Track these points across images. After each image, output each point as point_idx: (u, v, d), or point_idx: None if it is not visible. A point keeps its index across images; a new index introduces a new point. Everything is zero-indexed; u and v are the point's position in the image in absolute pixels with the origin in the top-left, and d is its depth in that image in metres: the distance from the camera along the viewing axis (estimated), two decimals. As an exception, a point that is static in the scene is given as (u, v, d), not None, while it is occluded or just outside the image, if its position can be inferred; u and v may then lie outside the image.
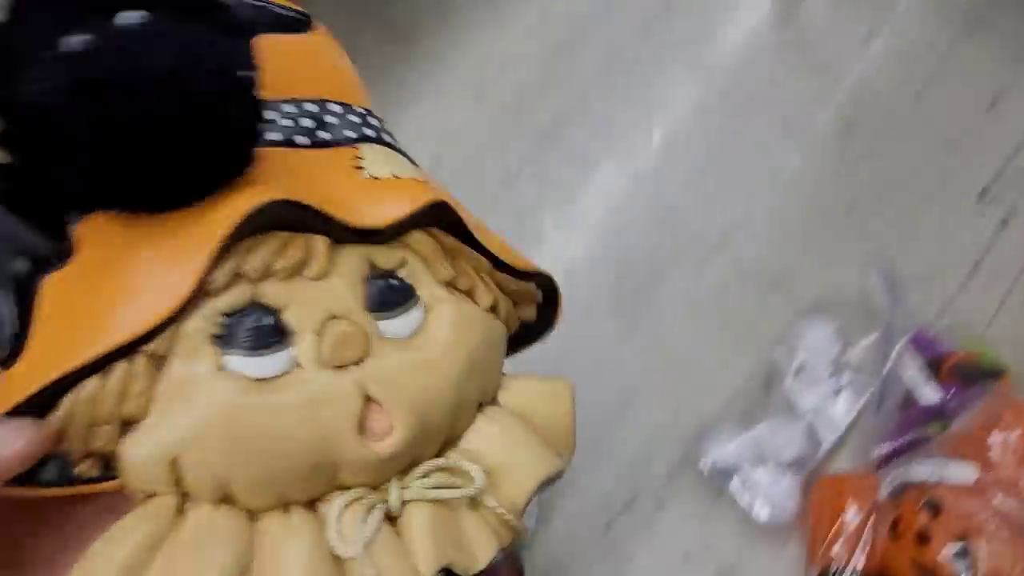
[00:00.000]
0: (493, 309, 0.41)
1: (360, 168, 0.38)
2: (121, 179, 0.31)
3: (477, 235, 0.40)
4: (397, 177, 0.38)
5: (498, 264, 0.41)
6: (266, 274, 0.35)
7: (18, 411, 0.31)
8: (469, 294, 0.40)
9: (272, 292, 0.35)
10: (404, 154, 0.42)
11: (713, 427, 0.62)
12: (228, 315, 0.34)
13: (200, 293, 0.34)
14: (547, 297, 0.45)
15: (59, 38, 0.30)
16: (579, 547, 0.58)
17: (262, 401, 0.34)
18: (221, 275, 0.34)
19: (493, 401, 0.41)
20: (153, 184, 0.32)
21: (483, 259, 0.41)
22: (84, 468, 0.33)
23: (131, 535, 0.33)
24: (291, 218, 0.35)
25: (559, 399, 0.42)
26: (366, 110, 0.41)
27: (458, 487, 0.37)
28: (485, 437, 0.39)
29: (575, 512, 0.59)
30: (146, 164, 0.31)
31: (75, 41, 0.30)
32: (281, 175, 0.36)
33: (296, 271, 0.35)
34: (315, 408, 0.34)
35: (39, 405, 0.32)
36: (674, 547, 0.59)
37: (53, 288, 0.34)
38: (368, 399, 0.35)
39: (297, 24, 0.41)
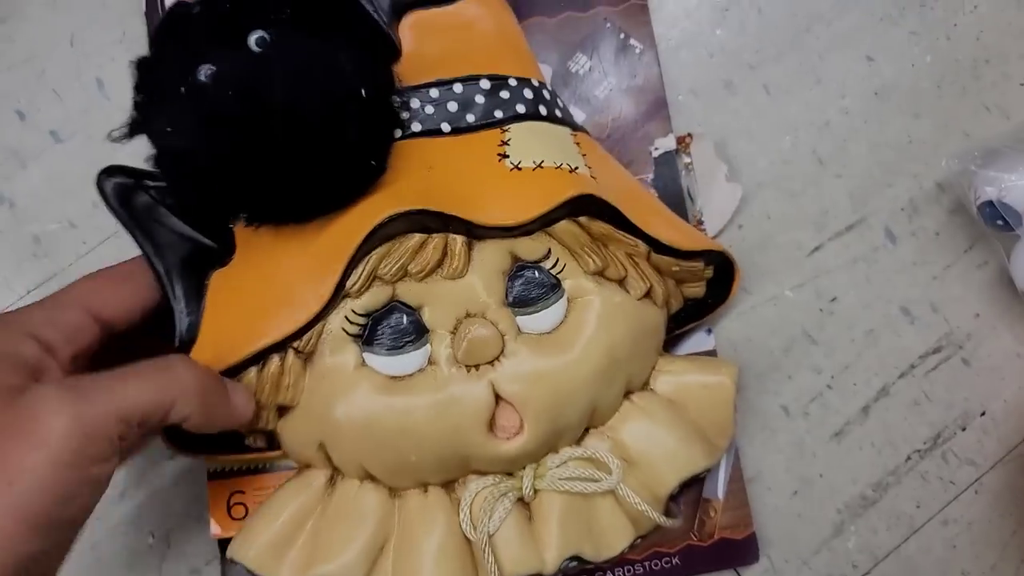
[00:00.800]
0: (648, 295, 0.39)
1: (504, 156, 0.37)
2: (249, 201, 0.33)
3: (634, 220, 0.37)
4: (541, 167, 0.36)
5: (659, 247, 0.39)
6: (403, 275, 0.36)
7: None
8: (621, 283, 0.38)
9: (409, 291, 0.36)
10: (565, 121, 0.40)
11: (999, 153, 0.42)
12: (367, 315, 0.36)
13: (342, 295, 0.36)
14: (720, 271, 0.42)
15: (192, 68, 0.31)
16: (772, 263, 0.45)
17: (396, 400, 0.36)
18: (359, 279, 0.35)
19: (646, 386, 0.40)
20: (280, 203, 0.34)
21: (640, 243, 0.38)
22: (252, 441, 0.38)
23: (286, 507, 0.38)
24: (428, 220, 0.35)
25: (720, 388, 0.40)
26: (520, 79, 0.39)
27: (594, 479, 0.38)
28: (630, 426, 0.39)
29: (778, 220, 0.46)
30: (270, 188, 0.32)
31: (201, 75, 0.31)
32: (420, 173, 0.36)
33: (432, 271, 0.36)
34: (446, 407, 0.36)
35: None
36: (892, 295, 0.45)
37: (218, 283, 0.37)
38: (499, 398, 0.36)
39: (457, -8, 0.39)
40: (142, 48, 0.36)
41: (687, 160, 0.46)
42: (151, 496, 0.43)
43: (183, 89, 0.31)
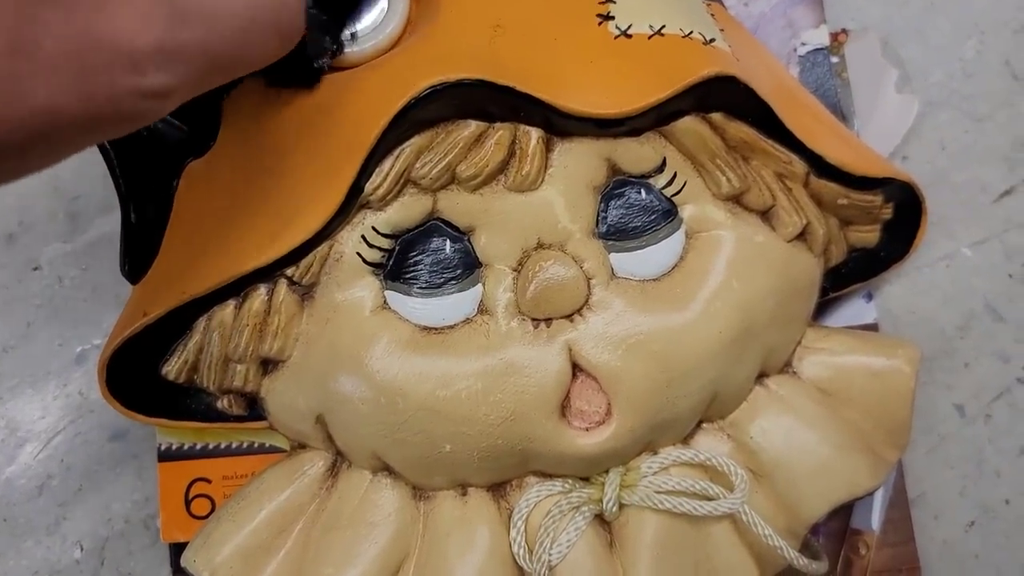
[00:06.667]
0: (801, 236, 0.29)
1: (608, 17, 0.27)
2: None
3: (790, 125, 0.28)
4: (661, 34, 0.26)
5: (824, 168, 0.29)
6: (449, 181, 0.27)
7: (144, 336, 0.27)
8: (765, 216, 0.29)
9: (457, 206, 0.27)
10: None
11: None
12: (395, 236, 0.27)
13: (358, 204, 0.26)
14: (902, 212, 0.32)
15: None
16: (945, 210, 0.36)
17: (429, 362, 0.26)
18: (384, 180, 0.26)
19: (787, 367, 0.31)
20: None
21: (796, 159, 0.29)
22: (227, 405, 0.29)
23: (267, 501, 0.29)
24: (490, 101, 0.25)
25: (895, 376, 0.31)
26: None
27: (707, 496, 0.28)
28: (764, 423, 0.30)
29: (955, 152, 0.37)
30: None
31: None
32: (483, 32, 0.26)
33: (492, 178, 0.27)
34: (500, 377, 0.26)
35: (168, 330, 0.27)
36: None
37: (191, 180, 0.28)
38: (579, 370, 0.27)
39: None
40: None
41: (837, 62, 0.37)
42: (81, 493, 0.34)
43: None
